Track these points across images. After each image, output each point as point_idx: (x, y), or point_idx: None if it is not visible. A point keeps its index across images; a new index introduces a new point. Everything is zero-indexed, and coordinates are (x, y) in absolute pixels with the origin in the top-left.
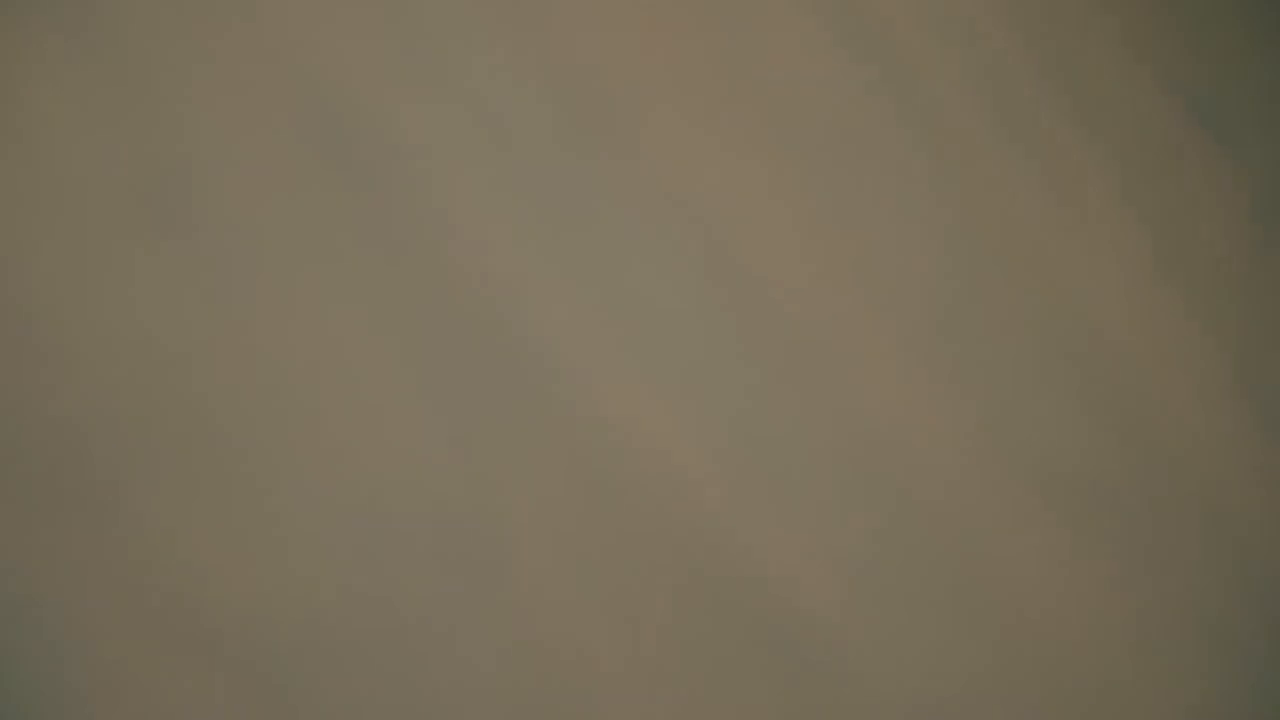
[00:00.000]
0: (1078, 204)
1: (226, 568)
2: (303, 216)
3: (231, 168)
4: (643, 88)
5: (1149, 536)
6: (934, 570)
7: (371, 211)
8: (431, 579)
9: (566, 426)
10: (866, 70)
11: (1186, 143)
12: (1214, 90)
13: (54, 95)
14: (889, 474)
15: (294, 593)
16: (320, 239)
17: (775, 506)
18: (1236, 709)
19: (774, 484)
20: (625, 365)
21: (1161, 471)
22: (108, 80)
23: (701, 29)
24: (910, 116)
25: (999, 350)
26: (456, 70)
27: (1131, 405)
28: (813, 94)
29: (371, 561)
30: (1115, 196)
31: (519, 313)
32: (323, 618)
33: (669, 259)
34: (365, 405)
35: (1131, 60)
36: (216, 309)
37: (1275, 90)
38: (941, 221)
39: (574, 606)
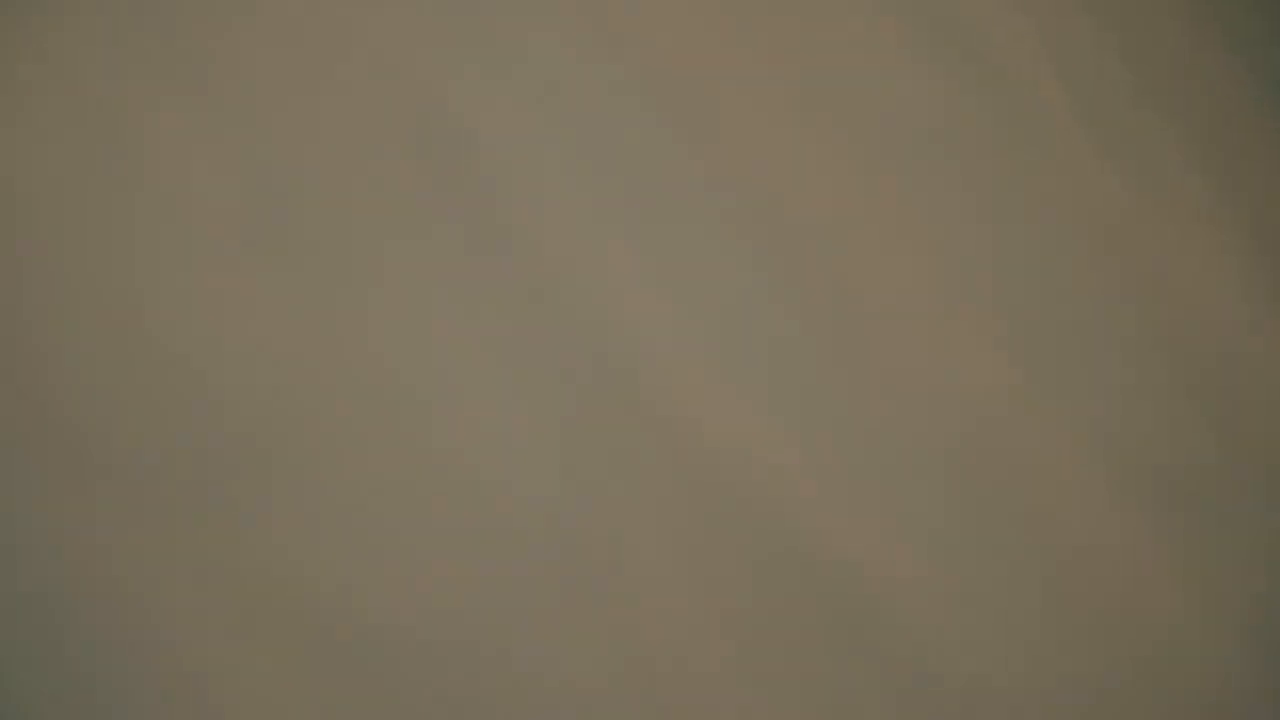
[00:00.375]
0: (1162, 190)
1: (348, 579)
2: (407, 232)
3: (337, 187)
4: (729, 88)
5: (1234, 522)
6: (1017, 557)
7: (488, 235)
8: (543, 587)
9: (663, 433)
10: (947, 67)
11: (1270, 125)
12: None
13: (166, 122)
14: (977, 464)
15: (413, 601)
16: (427, 257)
17: (879, 515)
18: None
19: (871, 487)
20: (717, 366)
21: (1245, 454)
22: (217, 107)
23: (783, 27)
24: (993, 112)
25: (1085, 339)
26: (552, 83)
27: (1216, 390)
28: (893, 90)
29: (485, 570)
30: (1199, 183)
31: (616, 319)
32: (439, 624)
33: (757, 259)
34: (474, 419)
35: (1213, 48)
36: (332, 326)
37: None
38: (1026, 214)
39: (681, 614)
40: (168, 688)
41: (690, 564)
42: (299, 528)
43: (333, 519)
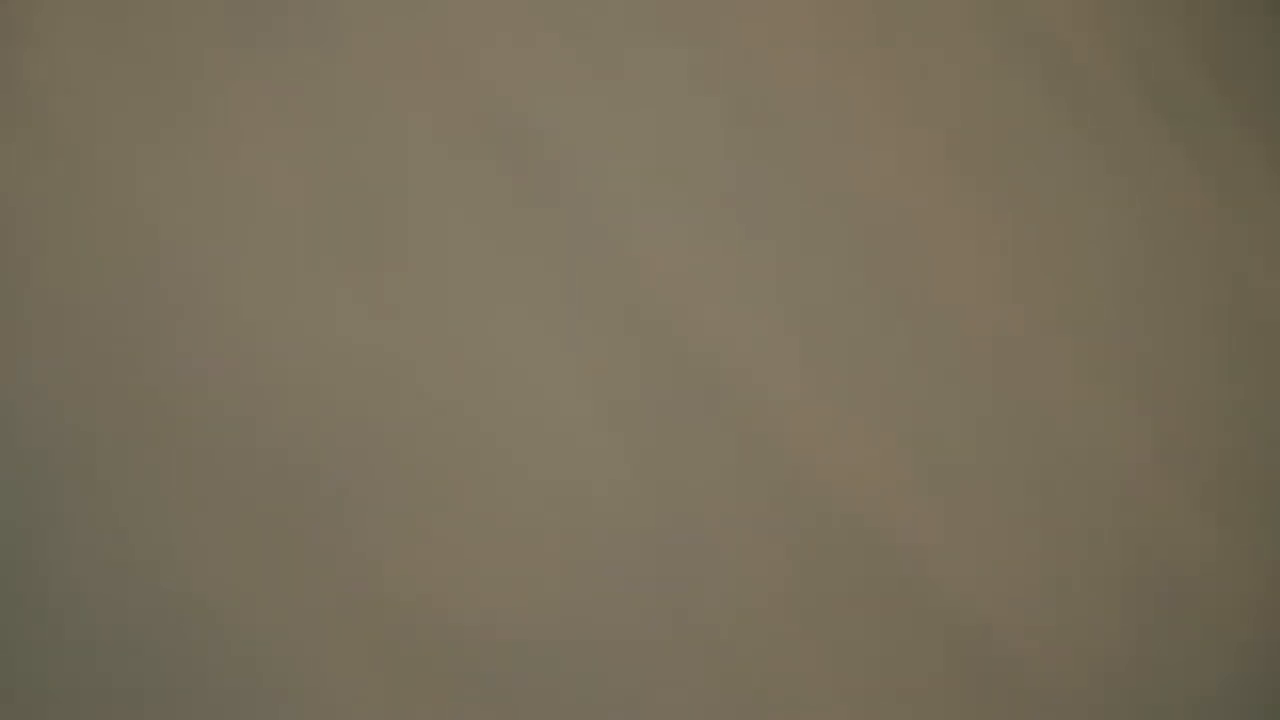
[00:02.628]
0: (1240, 199)
1: (434, 584)
2: (490, 231)
3: (420, 186)
4: (815, 94)
5: None
6: (1109, 568)
7: (555, 226)
8: (626, 589)
9: (745, 433)
10: (1032, 76)
11: None
12: None
13: (249, 121)
14: (1061, 477)
15: (497, 607)
16: (508, 255)
17: (947, 512)
18: None
19: (946, 488)
20: (797, 369)
21: None
22: (297, 103)
23: (871, 36)
24: (1078, 121)
25: (1167, 342)
26: (635, 83)
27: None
28: (982, 101)
29: (570, 575)
30: (1263, 171)
31: (696, 319)
32: (528, 629)
33: (840, 262)
34: (557, 420)
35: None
36: (416, 330)
37: None
38: (1109, 222)
39: (763, 611)
40: (270, 701)
41: (788, 577)
42: (387, 532)
43: (424, 526)
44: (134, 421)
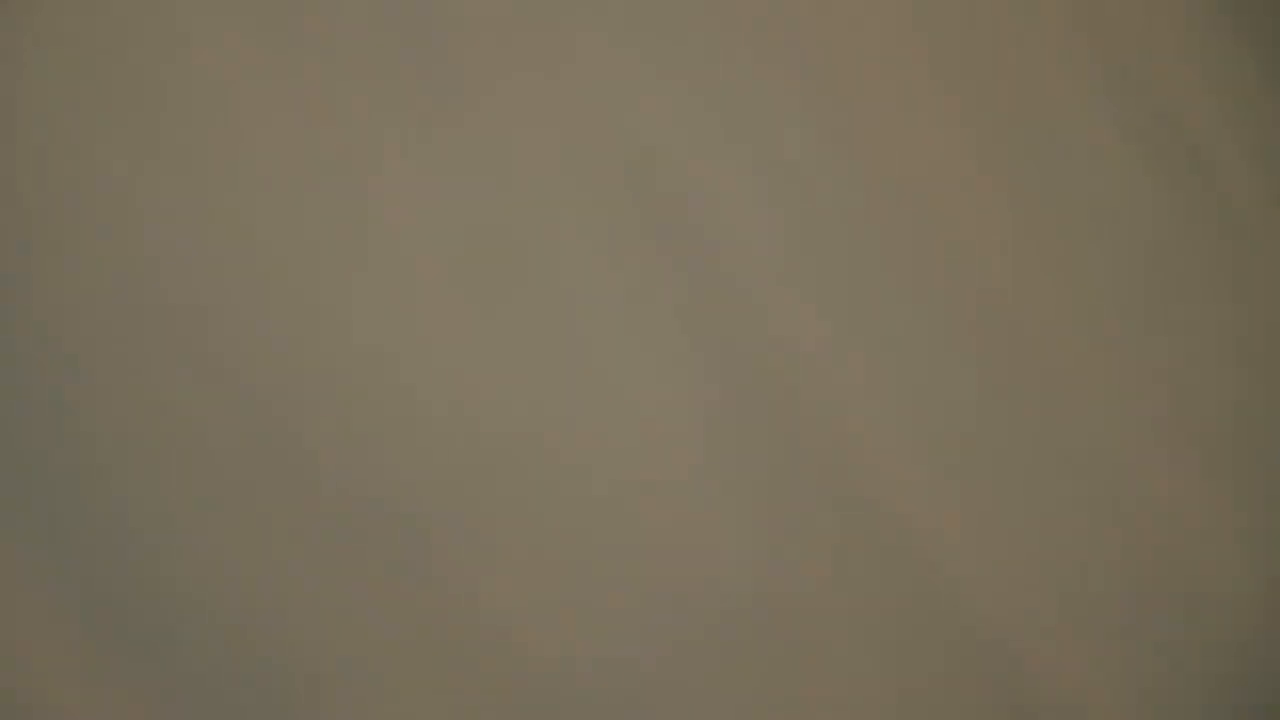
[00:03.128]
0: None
1: (529, 627)
2: (621, 280)
3: (553, 233)
4: (934, 150)
5: None
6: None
7: (685, 276)
8: (717, 629)
9: (855, 503)
10: (1144, 152)
11: None
12: None
13: (390, 165)
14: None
15: (591, 654)
16: (636, 305)
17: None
18: None
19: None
20: (897, 427)
21: None
22: (438, 144)
23: (993, 97)
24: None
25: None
26: (762, 143)
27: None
28: (1074, 149)
29: (666, 630)
30: None
31: (818, 380)
32: (617, 677)
33: (951, 320)
34: (669, 479)
35: None
36: (535, 374)
37: None
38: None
39: (856, 677)
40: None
41: (887, 645)
42: (475, 562)
43: (520, 560)
44: (237, 437)
